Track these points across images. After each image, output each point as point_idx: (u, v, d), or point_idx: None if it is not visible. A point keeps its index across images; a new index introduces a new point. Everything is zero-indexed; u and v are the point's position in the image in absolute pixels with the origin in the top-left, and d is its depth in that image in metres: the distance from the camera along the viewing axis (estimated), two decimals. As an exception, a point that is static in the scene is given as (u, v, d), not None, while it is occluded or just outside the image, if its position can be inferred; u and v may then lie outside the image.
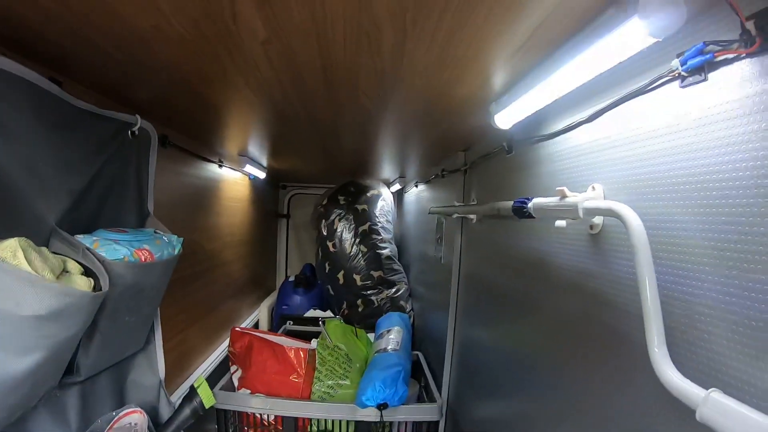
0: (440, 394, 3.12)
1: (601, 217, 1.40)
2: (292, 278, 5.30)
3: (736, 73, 0.96)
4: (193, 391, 2.19)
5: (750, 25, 0.90)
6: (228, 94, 1.81)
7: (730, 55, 0.97)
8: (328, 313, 4.76)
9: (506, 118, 1.79)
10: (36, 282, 1.20)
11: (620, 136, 1.34)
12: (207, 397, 2.18)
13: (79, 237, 1.53)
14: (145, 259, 1.70)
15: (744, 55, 0.94)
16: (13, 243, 1.21)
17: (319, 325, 3.69)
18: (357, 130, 2.52)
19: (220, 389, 2.89)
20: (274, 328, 4.76)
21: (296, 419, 2.84)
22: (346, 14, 1.11)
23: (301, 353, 3.02)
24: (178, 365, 2.76)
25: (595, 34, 1.11)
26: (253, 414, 2.87)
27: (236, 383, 3.01)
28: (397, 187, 5.13)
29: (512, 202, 1.75)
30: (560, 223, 1.45)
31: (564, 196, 1.41)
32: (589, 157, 1.50)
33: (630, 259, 1.27)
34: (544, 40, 1.25)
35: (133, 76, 1.60)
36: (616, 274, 1.33)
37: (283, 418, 2.84)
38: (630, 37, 1.04)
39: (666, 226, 1.14)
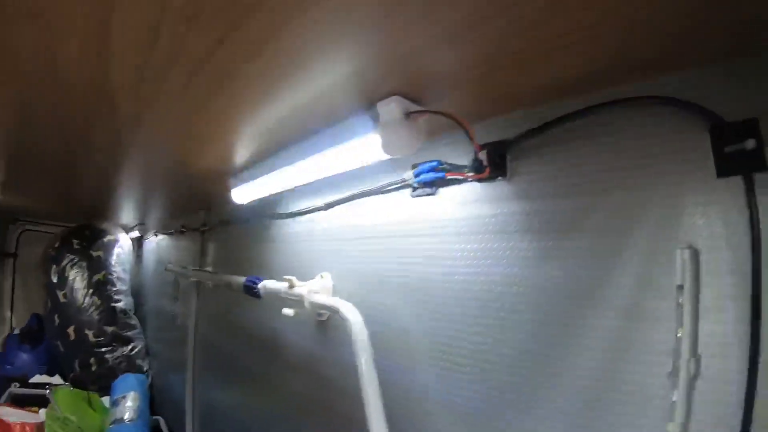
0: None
1: (327, 309, 1.42)
2: (17, 331, 4.58)
3: (464, 195, 1.04)
4: None
5: (483, 155, 0.95)
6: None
7: (461, 177, 1.02)
8: (57, 379, 4.14)
9: (244, 193, 1.75)
10: None
11: (354, 230, 1.39)
12: None
13: None
14: None
15: (472, 179, 1.00)
16: None
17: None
18: (103, 172, 2.22)
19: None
20: (-4, 393, 4.03)
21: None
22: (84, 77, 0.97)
23: (27, 428, 2.58)
24: None
25: (342, 136, 1.12)
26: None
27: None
28: (136, 233, 4.72)
29: (243, 279, 1.71)
30: (287, 311, 1.44)
31: (292, 285, 1.39)
32: (323, 244, 1.54)
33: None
34: (290, 130, 1.24)
35: None
36: (342, 360, 1.38)
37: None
38: (371, 147, 1.05)
39: (392, 320, 1.21)
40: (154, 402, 3.45)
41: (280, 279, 1.53)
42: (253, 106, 1.10)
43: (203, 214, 2.84)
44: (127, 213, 3.97)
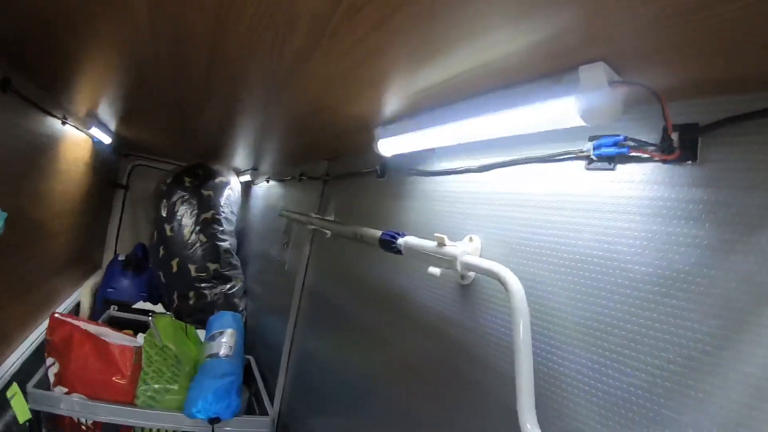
0: (272, 405, 2.98)
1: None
2: (121, 257, 4.82)
3: (647, 174, 0.98)
4: (5, 403, 1.88)
5: (675, 136, 0.90)
6: (91, 43, 1.51)
7: (645, 155, 0.97)
8: (159, 307, 4.36)
9: (390, 146, 1.72)
10: None
11: (511, 196, 1.34)
12: (21, 410, 1.89)
13: None
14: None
15: (658, 159, 0.95)
16: None
17: (146, 316, 3.40)
18: (224, 115, 2.31)
19: (34, 386, 2.42)
20: (96, 313, 4.26)
21: (118, 426, 2.57)
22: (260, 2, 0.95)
23: (127, 352, 2.71)
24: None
25: (522, 100, 1.06)
26: (70, 417, 2.52)
27: (52, 378, 2.56)
28: (246, 177, 4.84)
29: (380, 233, 1.68)
30: (434, 270, 1.41)
31: (443, 244, 1.37)
32: (472, 206, 1.49)
33: (498, 317, 1.28)
34: (462, 87, 1.19)
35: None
36: (482, 328, 1.34)
37: (103, 423, 2.54)
38: (558, 112, 0.99)
39: (544, 296, 1.15)
40: (246, 342, 3.56)
41: (419, 237, 1.53)
42: (430, 60, 1.06)
43: (326, 164, 2.86)
44: (242, 157, 4.06)
